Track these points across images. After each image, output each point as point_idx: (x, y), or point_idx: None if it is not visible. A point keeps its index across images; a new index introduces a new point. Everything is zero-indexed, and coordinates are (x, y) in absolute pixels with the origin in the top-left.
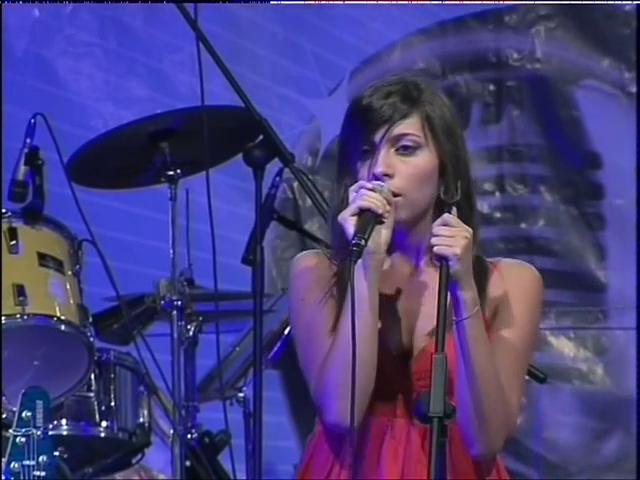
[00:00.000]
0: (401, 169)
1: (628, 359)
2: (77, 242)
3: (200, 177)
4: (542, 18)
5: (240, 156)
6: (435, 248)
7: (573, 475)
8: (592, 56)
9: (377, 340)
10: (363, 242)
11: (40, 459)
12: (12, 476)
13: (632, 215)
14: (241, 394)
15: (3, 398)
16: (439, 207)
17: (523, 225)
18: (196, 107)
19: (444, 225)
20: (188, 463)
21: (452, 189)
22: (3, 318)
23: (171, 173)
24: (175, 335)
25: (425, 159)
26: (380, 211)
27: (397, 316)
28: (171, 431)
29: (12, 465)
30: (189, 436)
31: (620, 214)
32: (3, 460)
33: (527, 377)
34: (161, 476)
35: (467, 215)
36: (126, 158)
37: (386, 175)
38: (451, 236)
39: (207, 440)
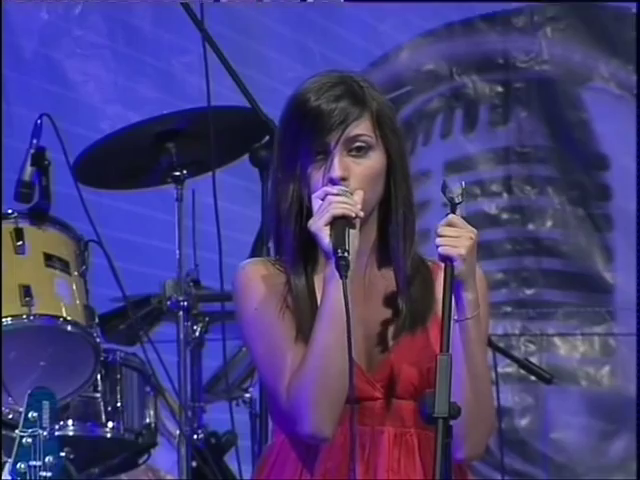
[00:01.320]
0: (355, 171)
1: (635, 360)
2: (83, 243)
3: (206, 178)
4: (550, 20)
5: (246, 157)
6: (440, 248)
7: (580, 476)
8: (600, 58)
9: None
10: (347, 254)
11: (46, 460)
12: (18, 476)
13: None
14: (247, 395)
15: (9, 399)
16: (383, 206)
17: (530, 226)
18: (202, 108)
19: (449, 225)
20: (194, 464)
21: (401, 187)
22: (9, 319)
23: (177, 174)
24: (181, 336)
25: (377, 159)
26: (353, 215)
27: (356, 322)
28: (177, 432)
29: (18, 466)
30: (195, 437)
31: (627, 215)
32: (9, 460)
33: (534, 378)
34: (168, 476)
35: (408, 213)
36: (132, 159)
37: (343, 179)
38: (456, 236)
39: (213, 441)
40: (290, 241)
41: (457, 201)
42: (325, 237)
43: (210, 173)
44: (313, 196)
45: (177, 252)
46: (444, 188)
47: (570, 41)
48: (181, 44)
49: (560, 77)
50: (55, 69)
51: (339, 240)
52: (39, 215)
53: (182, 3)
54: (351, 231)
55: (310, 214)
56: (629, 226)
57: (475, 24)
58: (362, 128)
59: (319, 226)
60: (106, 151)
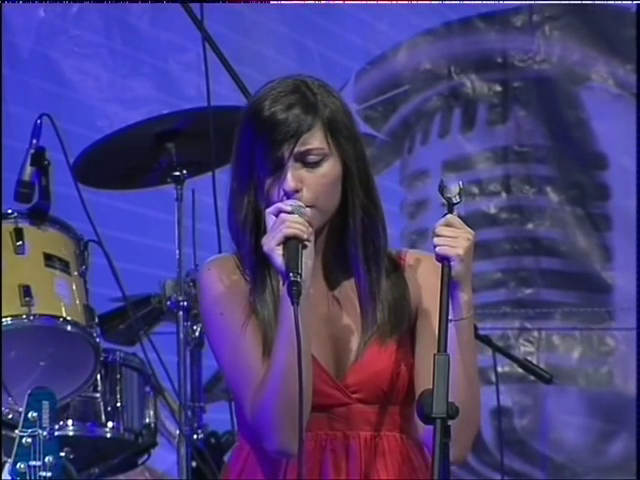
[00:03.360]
0: (309, 181)
1: (634, 360)
2: (83, 243)
3: (206, 177)
4: (548, 19)
5: None
6: (437, 248)
7: (579, 476)
8: (598, 57)
9: (312, 367)
10: (299, 278)
11: (46, 460)
12: (18, 476)
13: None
14: None
15: (9, 399)
16: (340, 212)
17: (529, 226)
18: (202, 107)
19: (447, 225)
20: (194, 464)
21: (358, 193)
22: (9, 319)
23: (177, 173)
24: (181, 335)
25: (331, 167)
26: (305, 237)
27: (322, 331)
28: (177, 432)
29: (18, 466)
30: (195, 437)
31: (626, 215)
32: (9, 460)
33: (533, 378)
34: (168, 476)
35: (372, 213)
36: (132, 159)
37: (296, 191)
38: (454, 237)
39: (213, 440)
40: (247, 253)
41: (455, 201)
42: (277, 257)
43: (210, 173)
44: (266, 211)
45: (177, 252)
46: (442, 188)
47: (569, 40)
48: (179, 43)
49: (559, 76)
50: (52, 68)
51: (292, 262)
52: (39, 215)
53: (182, 3)
54: (304, 251)
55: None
56: (628, 225)
57: (473, 23)
58: (314, 139)
59: (271, 246)
60: (106, 151)
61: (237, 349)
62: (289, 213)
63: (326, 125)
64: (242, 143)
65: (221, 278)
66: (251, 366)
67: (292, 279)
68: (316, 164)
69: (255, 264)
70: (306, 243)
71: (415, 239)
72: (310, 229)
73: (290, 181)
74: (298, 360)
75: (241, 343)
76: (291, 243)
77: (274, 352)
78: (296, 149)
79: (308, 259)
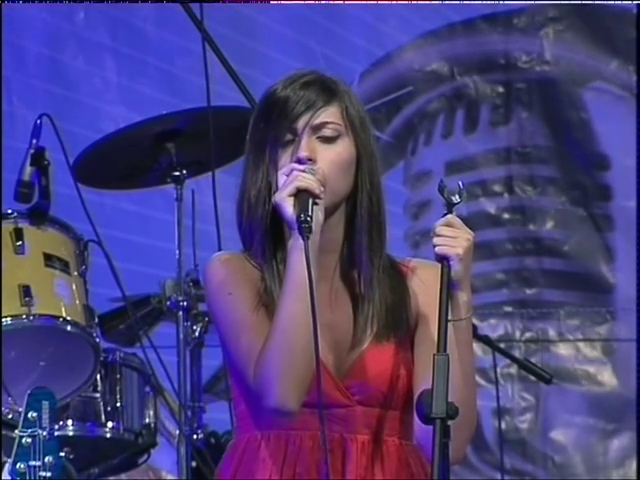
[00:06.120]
0: (323, 155)
1: (635, 360)
2: (83, 243)
3: (206, 177)
4: (551, 20)
5: None
6: (437, 248)
7: (580, 475)
8: (600, 58)
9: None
10: (310, 219)
11: (46, 460)
12: (18, 476)
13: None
14: None
15: (9, 399)
16: (351, 203)
17: (531, 226)
18: (202, 107)
19: (447, 225)
20: (194, 463)
21: (366, 182)
22: (9, 319)
23: (177, 174)
24: (181, 336)
25: (346, 147)
26: (317, 191)
27: (324, 337)
28: (177, 432)
29: (18, 466)
30: (195, 437)
31: (628, 215)
32: (9, 460)
33: (533, 378)
34: (168, 476)
35: (374, 210)
36: (132, 159)
37: (309, 160)
38: (454, 237)
39: (213, 440)
40: (257, 227)
41: (455, 201)
42: (288, 207)
43: (210, 173)
44: (279, 172)
45: (177, 252)
46: (441, 188)
47: (571, 41)
48: (184, 45)
49: (561, 77)
50: (58, 70)
51: (302, 207)
52: (39, 215)
53: (182, 3)
54: (315, 207)
55: None
56: (630, 226)
57: (476, 24)
58: (330, 115)
59: (283, 197)
60: (106, 151)
61: (244, 325)
62: (302, 171)
63: (343, 107)
64: (256, 124)
65: (230, 265)
66: (257, 339)
67: (302, 219)
68: (332, 140)
69: (265, 239)
70: (317, 201)
71: (418, 240)
72: (322, 187)
73: (304, 149)
74: (310, 289)
75: (249, 319)
76: (303, 195)
77: (280, 304)
78: (311, 121)
79: (319, 212)
